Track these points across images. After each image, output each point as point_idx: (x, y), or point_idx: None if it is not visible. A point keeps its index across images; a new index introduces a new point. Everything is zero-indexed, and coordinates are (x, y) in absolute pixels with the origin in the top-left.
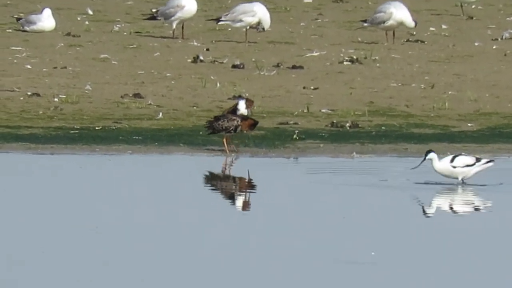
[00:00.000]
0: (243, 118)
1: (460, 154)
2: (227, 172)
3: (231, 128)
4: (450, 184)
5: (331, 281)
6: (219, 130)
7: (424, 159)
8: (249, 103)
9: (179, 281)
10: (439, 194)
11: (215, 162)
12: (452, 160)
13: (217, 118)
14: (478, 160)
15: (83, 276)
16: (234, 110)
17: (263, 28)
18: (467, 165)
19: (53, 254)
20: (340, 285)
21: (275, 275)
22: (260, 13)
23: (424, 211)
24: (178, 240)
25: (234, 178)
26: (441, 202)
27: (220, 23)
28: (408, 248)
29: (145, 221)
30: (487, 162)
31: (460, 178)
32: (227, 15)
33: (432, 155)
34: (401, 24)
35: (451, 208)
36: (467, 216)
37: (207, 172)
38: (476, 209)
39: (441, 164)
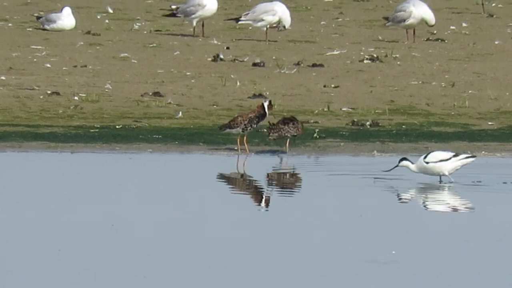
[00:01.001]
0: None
1: (436, 150)
2: (247, 171)
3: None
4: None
5: (350, 279)
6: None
7: (397, 165)
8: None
9: (197, 275)
10: (458, 192)
11: (234, 161)
12: (425, 157)
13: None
14: (456, 155)
15: (97, 274)
16: (263, 114)
17: (284, 27)
18: (442, 160)
19: (69, 252)
20: (360, 283)
21: (289, 273)
22: (281, 12)
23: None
24: (201, 239)
25: (253, 177)
26: (460, 201)
27: (240, 22)
28: (427, 246)
29: (159, 220)
30: (468, 157)
31: (438, 174)
32: (247, 14)
33: (405, 163)
34: (422, 21)
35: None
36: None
37: (224, 171)
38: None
39: (417, 163)
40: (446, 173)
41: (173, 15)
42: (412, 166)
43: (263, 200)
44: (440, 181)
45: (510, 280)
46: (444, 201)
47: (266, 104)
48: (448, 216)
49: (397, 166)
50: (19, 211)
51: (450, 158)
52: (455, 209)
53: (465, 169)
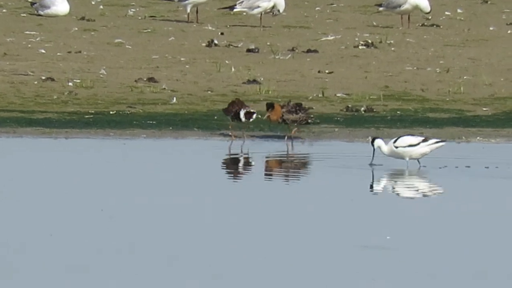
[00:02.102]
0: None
1: (406, 135)
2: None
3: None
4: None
5: (345, 265)
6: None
7: (374, 149)
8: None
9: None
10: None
11: (229, 146)
12: (395, 141)
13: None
14: (425, 140)
15: (91, 260)
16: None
17: (279, 11)
18: (410, 145)
19: (61, 237)
20: (356, 269)
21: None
22: None
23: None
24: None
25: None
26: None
27: (235, 11)
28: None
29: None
30: (437, 142)
31: (407, 158)
32: (241, 2)
33: (378, 142)
34: (416, 8)
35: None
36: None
37: (219, 155)
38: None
39: (387, 146)
40: (414, 158)
41: None
42: (384, 148)
43: (248, 183)
44: (407, 166)
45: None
46: (418, 187)
47: (242, 113)
48: (421, 202)
49: (373, 150)
50: (9, 196)
51: (419, 143)
52: (426, 195)
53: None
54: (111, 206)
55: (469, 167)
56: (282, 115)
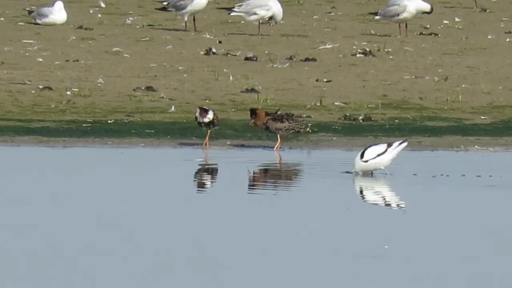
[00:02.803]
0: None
1: (370, 147)
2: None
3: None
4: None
5: (341, 274)
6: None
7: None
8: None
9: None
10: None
11: (225, 155)
12: (362, 156)
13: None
14: (389, 145)
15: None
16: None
17: (276, 22)
18: (379, 154)
19: (58, 242)
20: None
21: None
22: (274, 8)
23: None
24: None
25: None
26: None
27: (232, 14)
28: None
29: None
30: (400, 143)
31: (382, 167)
32: (240, 6)
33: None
34: (417, 13)
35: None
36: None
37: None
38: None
39: (355, 165)
40: (383, 167)
41: (164, 9)
42: (356, 166)
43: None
44: (386, 173)
45: None
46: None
47: (198, 112)
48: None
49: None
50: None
51: (386, 150)
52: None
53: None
54: (105, 214)
55: (464, 175)
56: (266, 122)
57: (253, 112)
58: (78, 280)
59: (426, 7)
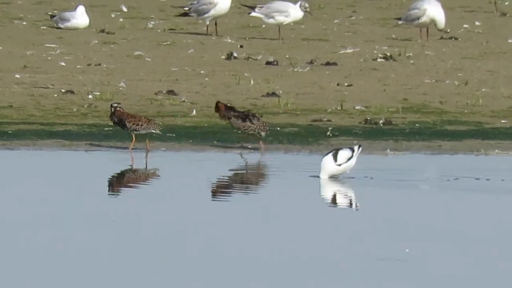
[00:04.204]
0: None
1: (337, 150)
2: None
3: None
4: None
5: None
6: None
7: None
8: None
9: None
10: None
11: (247, 159)
12: (336, 159)
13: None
14: (353, 149)
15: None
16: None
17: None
18: (349, 159)
19: (75, 246)
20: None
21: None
22: (294, 15)
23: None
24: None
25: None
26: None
27: (252, 14)
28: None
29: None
30: (359, 148)
31: (348, 172)
32: (261, 7)
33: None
34: (433, 21)
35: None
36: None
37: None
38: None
39: (329, 167)
40: (348, 171)
41: (186, 14)
42: (326, 172)
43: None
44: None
45: None
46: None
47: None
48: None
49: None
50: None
51: (353, 154)
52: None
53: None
54: (121, 218)
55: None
56: (230, 118)
57: (216, 105)
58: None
59: (441, 22)
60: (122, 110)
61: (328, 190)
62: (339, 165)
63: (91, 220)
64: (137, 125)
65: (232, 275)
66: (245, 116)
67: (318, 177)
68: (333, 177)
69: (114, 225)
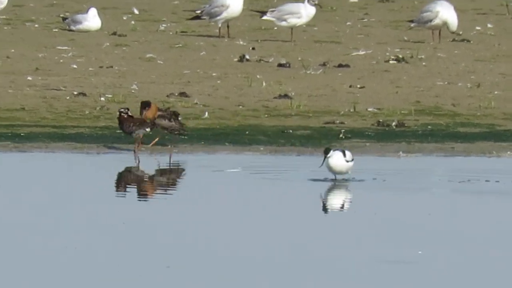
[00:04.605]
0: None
1: (343, 150)
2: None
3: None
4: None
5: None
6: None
7: (325, 157)
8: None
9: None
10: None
11: (258, 161)
12: (344, 155)
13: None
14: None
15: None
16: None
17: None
18: (352, 159)
19: (84, 249)
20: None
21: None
22: (306, 15)
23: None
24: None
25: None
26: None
27: (264, 18)
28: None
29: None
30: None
31: (349, 173)
32: (273, 11)
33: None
34: (445, 24)
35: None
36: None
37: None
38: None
39: (341, 162)
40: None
41: (197, 18)
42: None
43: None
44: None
45: None
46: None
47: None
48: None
49: (325, 158)
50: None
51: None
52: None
53: None
54: (131, 221)
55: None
56: (155, 118)
57: (147, 104)
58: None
59: (454, 24)
60: (125, 116)
61: (338, 192)
62: (347, 161)
63: (99, 223)
64: (129, 127)
65: (237, 273)
66: (170, 115)
67: (325, 178)
68: (340, 174)
69: (125, 227)
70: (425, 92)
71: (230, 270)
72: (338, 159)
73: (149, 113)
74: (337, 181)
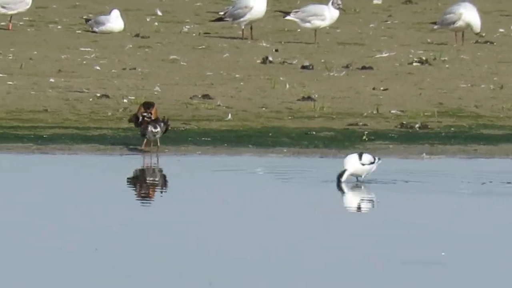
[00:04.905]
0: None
1: (362, 153)
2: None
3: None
4: None
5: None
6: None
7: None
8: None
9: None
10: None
11: (282, 163)
12: (360, 158)
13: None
14: (374, 158)
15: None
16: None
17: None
18: (371, 163)
19: (106, 250)
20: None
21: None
22: (330, 17)
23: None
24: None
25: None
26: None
27: (287, 18)
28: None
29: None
30: (379, 159)
31: (363, 176)
32: (297, 12)
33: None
34: (468, 26)
35: None
36: None
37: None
38: None
39: (355, 163)
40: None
41: (221, 19)
42: (353, 164)
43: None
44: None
45: None
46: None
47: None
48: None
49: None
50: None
51: (374, 162)
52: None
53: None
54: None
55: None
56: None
57: (152, 105)
58: None
59: (477, 26)
60: (148, 120)
61: (360, 194)
62: (363, 164)
63: (124, 225)
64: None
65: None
66: (162, 121)
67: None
68: (354, 175)
69: (150, 228)
70: (448, 94)
71: (275, 269)
72: (353, 162)
73: (154, 116)
74: (360, 183)
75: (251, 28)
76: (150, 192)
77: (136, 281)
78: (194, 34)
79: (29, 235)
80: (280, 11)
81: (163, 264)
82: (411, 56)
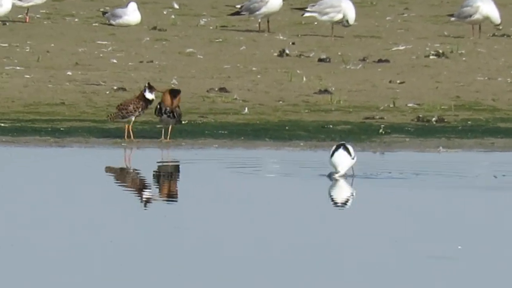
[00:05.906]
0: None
1: (345, 145)
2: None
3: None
4: None
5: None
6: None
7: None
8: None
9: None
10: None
11: (298, 156)
12: (349, 154)
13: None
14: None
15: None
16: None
17: (347, 21)
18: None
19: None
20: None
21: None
22: (347, 10)
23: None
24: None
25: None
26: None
27: (305, 14)
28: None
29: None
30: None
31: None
32: (313, 6)
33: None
34: (487, 18)
35: None
36: None
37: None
38: None
39: (347, 161)
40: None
41: (237, 13)
42: (341, 169)
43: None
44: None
45: None
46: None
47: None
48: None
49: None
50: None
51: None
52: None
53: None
54: (174, 215)
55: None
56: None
57: (178, 92)
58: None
59: (496, 18)
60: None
61: (374, 187)
62: (353, 158)
63: (145, 219)
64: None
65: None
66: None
67: (330, 176)
68: (347, 172)
69: (165, 221)
70: (465, 87)
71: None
72: (345, 158)
73: (177, 102)
74: (374, 177)
75: (268, 21)
76: (166, 186)
77: (153, 276)
78: (211, 27)
79: (45, 229)
80: (297, 8)
81: (171, 259)
82: (427, 49)
